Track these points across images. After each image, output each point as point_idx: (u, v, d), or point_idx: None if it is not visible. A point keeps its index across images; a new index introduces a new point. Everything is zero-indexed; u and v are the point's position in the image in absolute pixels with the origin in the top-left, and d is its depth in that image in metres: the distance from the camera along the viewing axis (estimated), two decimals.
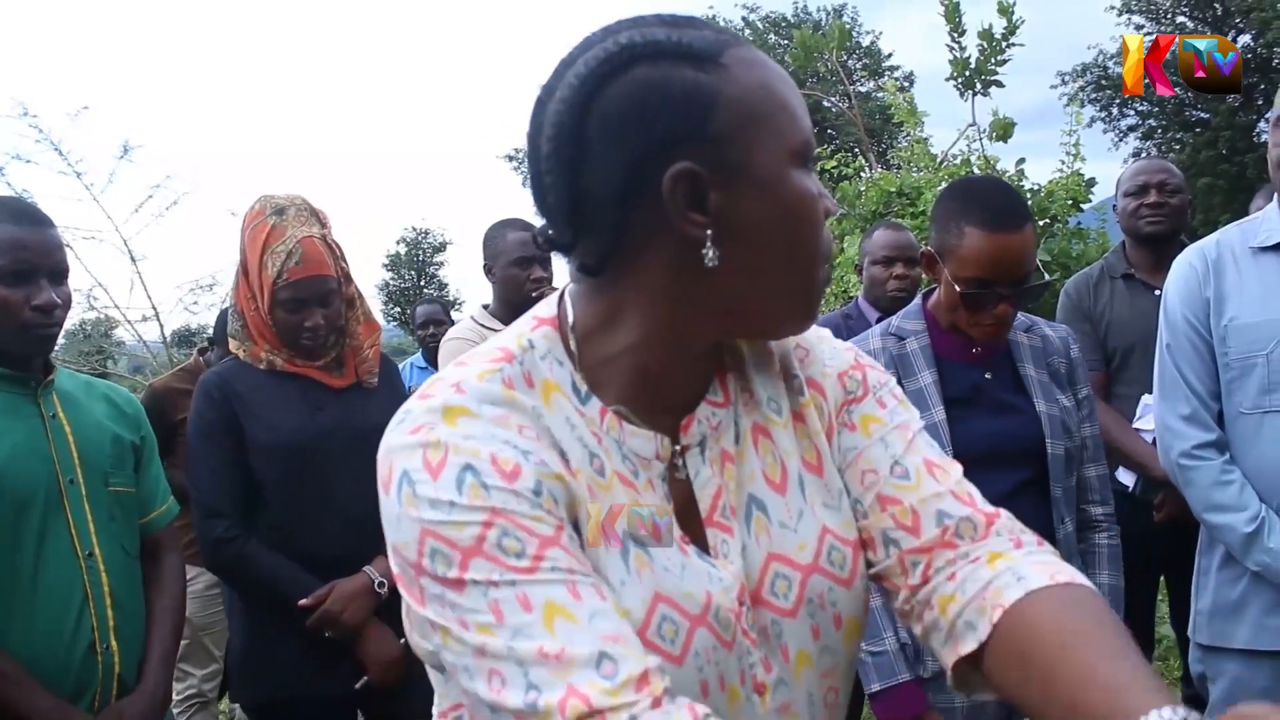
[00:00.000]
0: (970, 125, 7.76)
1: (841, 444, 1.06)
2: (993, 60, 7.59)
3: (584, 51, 0.92)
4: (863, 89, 27.06)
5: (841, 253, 7.06)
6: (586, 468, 0.91)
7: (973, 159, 7.60)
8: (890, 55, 31.03)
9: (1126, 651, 0.83)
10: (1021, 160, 7.59)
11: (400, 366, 4.57)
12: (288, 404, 2.38)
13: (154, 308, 8.78)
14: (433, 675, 0.99)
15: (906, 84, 27.14)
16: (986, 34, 7.55)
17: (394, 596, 2.35)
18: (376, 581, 2.33)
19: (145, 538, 2.24)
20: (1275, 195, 2.23)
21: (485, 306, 3.58)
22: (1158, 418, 2.33)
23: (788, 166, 0.92)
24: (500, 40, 64.30)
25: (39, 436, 2.04)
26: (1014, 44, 7.54)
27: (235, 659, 2.48)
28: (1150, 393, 2.46)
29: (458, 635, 0.83)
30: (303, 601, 2.29)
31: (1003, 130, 7.51)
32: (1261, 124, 23.20)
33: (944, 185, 7.07)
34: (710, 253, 0.89)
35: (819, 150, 8.72)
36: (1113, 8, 26.56)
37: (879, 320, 2.84)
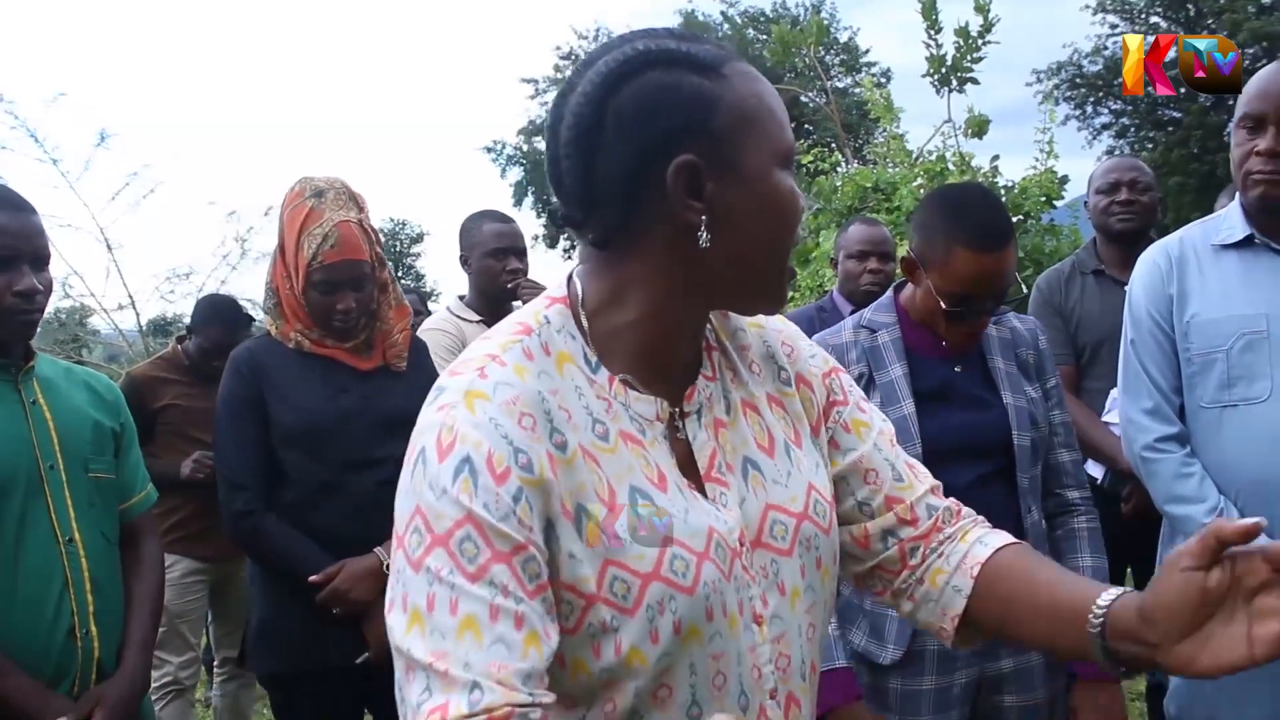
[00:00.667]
0: (946, 122, 7.83)
1: (839, 443, 1.23)
2: (968, 58, 7.66)
3: (603, 54, 1.05)
4: (840, 84, 27.08)
5: (817, 246, 7.11)
6: (590, 434, 1.02)
7: (948, 155, 7.67)
8: (867, 51, 30.98)
9: (1065, 571, 1.16)
10: (996, 157, 7.67)
11: None
12: (311, 385, 2.44)
13: (130, 296, 8.74)
14: None
15: (883, 80, 27.20)
16: (963, 31, 7.61)
17: None
18: (385, 563, 2.38)
19: (124, 524, 2.25)
20: (1236, 194, 2.28)
21: (461, 298, 3.59)
22: (1121, 411, 2.37)
23: (773, 166, 1.05)
24: (479, 33, 64.09)
25: (19, 422, 2.05)
26: (990, 42, 7.61)
27: (253, 629, 2.55)
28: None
29: (396, 611, 0.94)
30: (313, 577, 2.35)
31: (978, 127, 7.57)
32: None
33: (919, 181, 7.15)
34: (704, 236, 1.02)
35: (797, 145, 8.76)
36: (1087, 7, 26.68)
37: (852, 314, 2.87)
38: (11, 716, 1.93)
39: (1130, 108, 26.96)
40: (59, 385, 2.17)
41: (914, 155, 8.00)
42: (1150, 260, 2.33)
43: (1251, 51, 22.38)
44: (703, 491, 1.08)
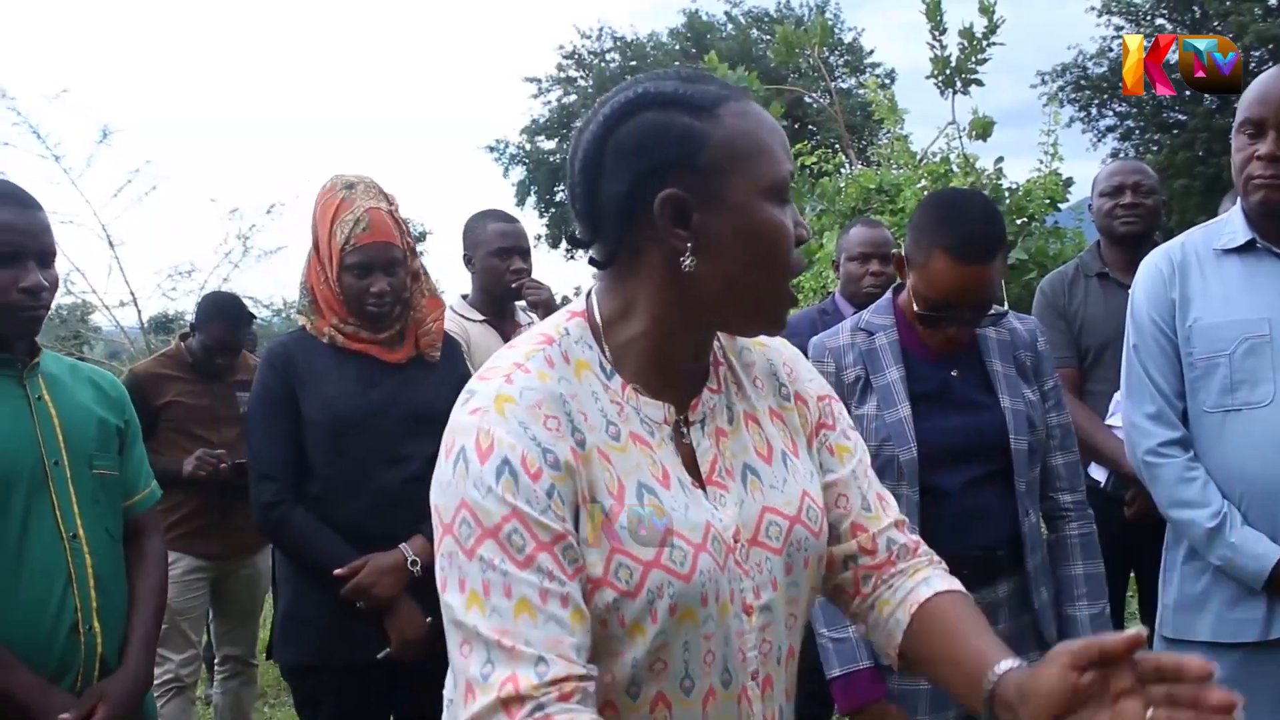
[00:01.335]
0: (950, 123, 7.82)
1: (822, 463, 1.33)
2: (973, 59, 7.65)
3: (615, 96, 1.18)
4: (844, 85, 27.11)
5: (820, 248, 7.10)
6: (604, 434, 1.14)
7: (952, 157, 7.67)
8: (872, 52, 30.92)
9: (986, 629, 1.22)
10: (1000, 159, 7.66)
11: None
12: (341, 380, 2.47)
13: (132, 293, 8.75)
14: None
15: (887, 81, 27.12)
16: (967, 33, 7.60)
17: (427, 575, 2.40)
18: (410, 559, 2.41)
19: (128, 521, 2.26)
20: (1238, 199, 2.28)
21: (464, 297, 3.59)
22: (1124, 416, 2.37)
23: (758, 199, 1.14)
24: (482, 32, 64.03)
25: (24, 418, 2.05)
26: (994, 43, 7.60)
27: (278, 619, 2.56)
28: None
29: (453, 590, 1.06)
30: (337, 571, 2.37)
31: (982, 129, 7.57)
32: None
33: (923, 183, 7.14)
34: (688, 261, 1.14)
35: (800, 146, 8.76)
36: (1092, 9, 26.65)
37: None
38: (14, 712, 1.94)
39: (1135, 110, 26.93)
40: (64, 382, 2.18)
41: (918, 157, 8.01)
42: (1152, 265, 2.33)
43: (1257, 54, 22.36)
44: (704, 491, 1.19)
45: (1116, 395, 3.07)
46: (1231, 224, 2.27)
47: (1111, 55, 25.98)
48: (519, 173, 33.20)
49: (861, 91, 20.74)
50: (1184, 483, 2.20)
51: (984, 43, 7.58)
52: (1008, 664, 1.12)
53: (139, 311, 9.00)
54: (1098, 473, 3.16)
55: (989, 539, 2.11)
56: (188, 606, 3.85)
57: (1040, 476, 2.21)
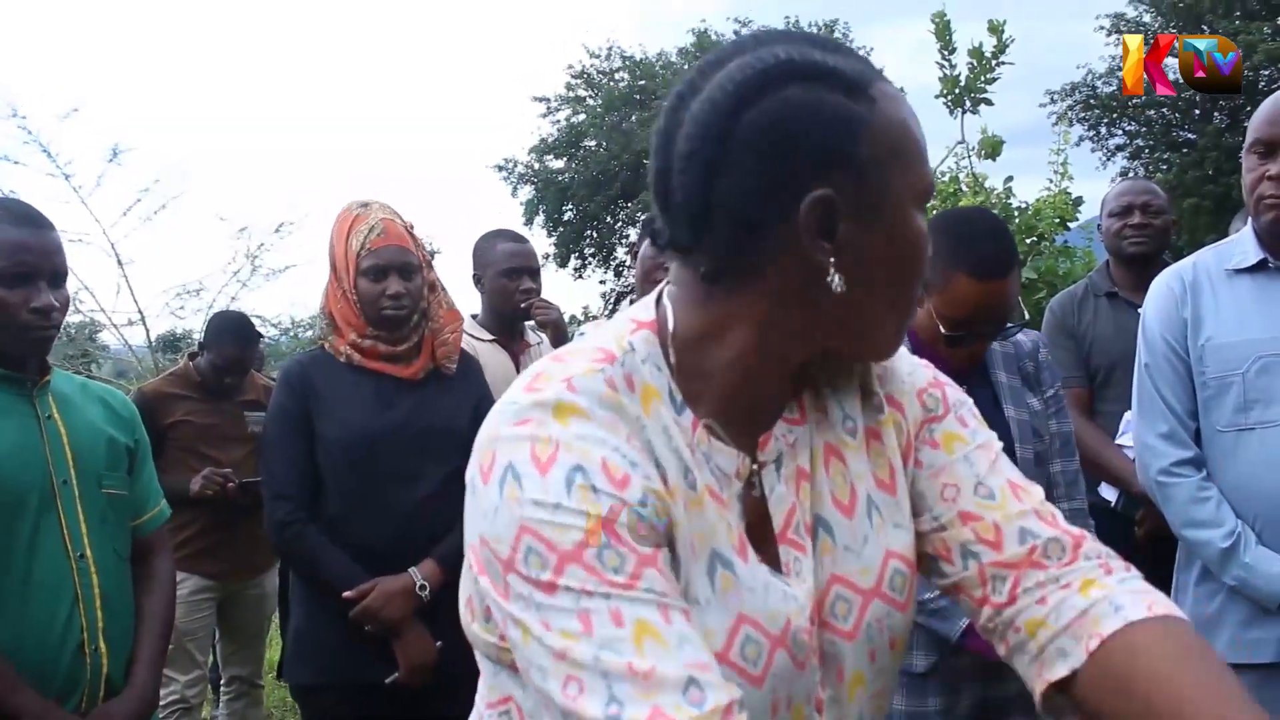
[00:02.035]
0: (959, 142, 7.80)
1: (923, 460, 1.06)
2: (982, 78, 7.64)
3: (735, 55, 0.91)
4: None
5: None
6: (680, 481, 0.90)
7: (961, 176, 7.66)
8: (881, 71, 31.02)
9: (1224, 682, 0.87)
10: (1009, 178, 7.63)
11: None
12: (357, 400, 2.47)
13: (140, 312, 8.78)
14: (484, 665, 1.00)
15: None
16: (976, 52, 7.60)
17: (435, 601, 2.33)
18: (419, 584, 2.40)
19: (137, 540, 2.25)
20: (1249, 218, 2.28)
21: (474, 316, 3.60)
22: (1136, 436, 2.36)
23: (911, 205, 0.93)
24: (492, 51, 64.37)
25: (34, 437, 2.05)
26: (1004, 62, 7.58)
27: (290, 638, 2.56)
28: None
29: (538, 635, 0.81)
30: (347, 593, 2.36)
31: (991, 148, 7.55)
32: None
33: (933, 202, 7.14)
34: (836, 279, 0.89)
35: None
36: (1102, 28, 26.71)
37: None
38: None
39: (1145, 129, 26.94)
40: (74, 401, 2.18)
41: None
42: (1164, 285, 2.33)
43: (1267, 73, 22.37)
44: (774, 559, 0.95)
45: (1127, 414, 3.05)
46: (1242, 244, 2.27)
47: (1121, 74, 25.99)
48: (527, 192, 33.30)
49: None
50: (1197, 502, 2.19)
51: (993, 62, 7.57)
52: None
53: (147, 330, 9.04)
54: (1108, 492, 3.14)
55: None
56: (194, 627, 3.84)
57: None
